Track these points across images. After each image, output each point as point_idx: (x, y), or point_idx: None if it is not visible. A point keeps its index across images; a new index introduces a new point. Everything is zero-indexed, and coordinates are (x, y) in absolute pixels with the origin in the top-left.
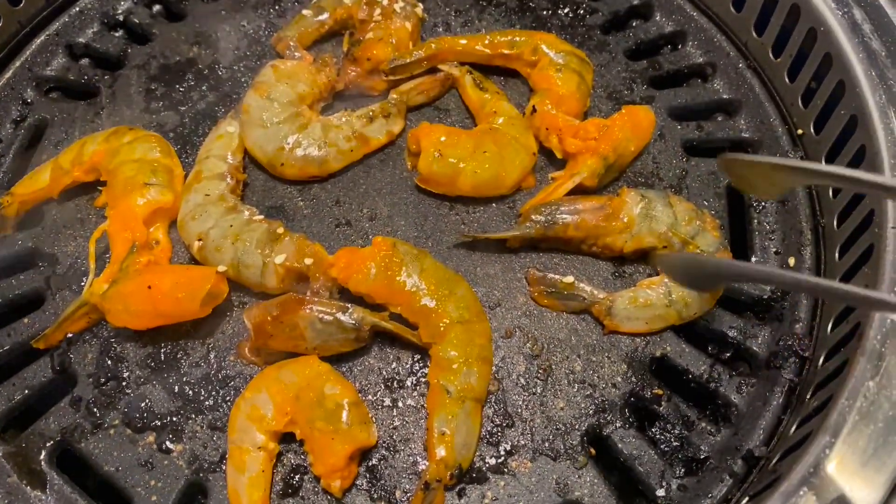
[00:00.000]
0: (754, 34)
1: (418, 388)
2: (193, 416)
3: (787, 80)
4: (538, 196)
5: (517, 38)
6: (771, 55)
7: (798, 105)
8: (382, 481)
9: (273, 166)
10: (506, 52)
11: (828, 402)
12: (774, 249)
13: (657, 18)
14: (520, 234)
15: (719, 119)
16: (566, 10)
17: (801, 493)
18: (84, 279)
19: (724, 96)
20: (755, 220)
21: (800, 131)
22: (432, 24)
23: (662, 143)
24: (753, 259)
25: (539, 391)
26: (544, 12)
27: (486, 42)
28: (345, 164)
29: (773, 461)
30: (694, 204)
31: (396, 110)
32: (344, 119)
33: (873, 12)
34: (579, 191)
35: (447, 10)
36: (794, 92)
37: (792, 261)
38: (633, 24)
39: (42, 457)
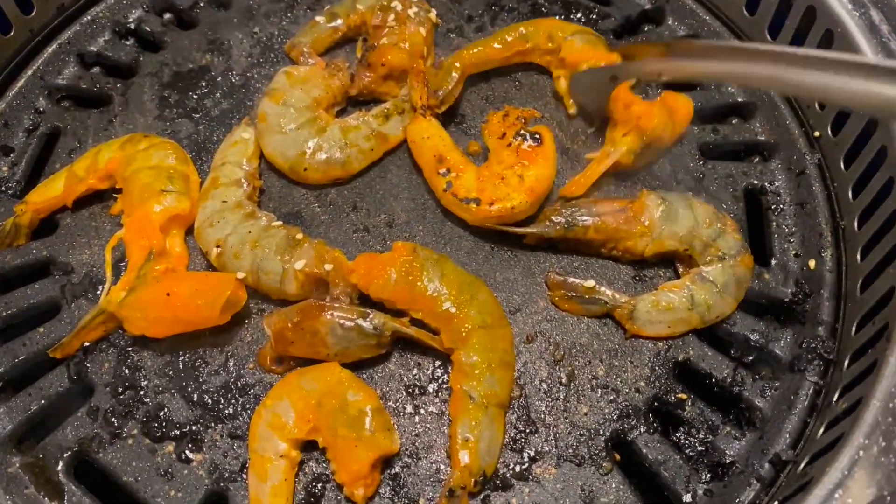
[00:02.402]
0: (768, 37)
1: (440, 394)
2: (213, 424)
3: None
4: (577, 177)
5: (525, 31)
6: None
7: (814, 107)
8: (406, 489)
9: (296, 172)
10: (521, 48)
11: (858, 404)
12: (794, 252)
13: (669, 23)
14: (538, 232)
15: (734, 122)
16: (579, 15)
17: (837, 496)
18: (99, 287)
19: (739, 99)
20: (773, 223)
21: (817, 133)
22: (445, 30)
23: (679, 146)
24: (773, 262)
25: (562, 397)
26: (557, 17)
27: (499, 46)
28: (366, 164)
29: (802, 465)
30: (712, 207)
31: (409, 106)
32: (361, 119)
33: (891, 13)
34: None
35: (460, 15)
36: None
37: (812, 263)
38: (646, 28)
39: (59, 467)
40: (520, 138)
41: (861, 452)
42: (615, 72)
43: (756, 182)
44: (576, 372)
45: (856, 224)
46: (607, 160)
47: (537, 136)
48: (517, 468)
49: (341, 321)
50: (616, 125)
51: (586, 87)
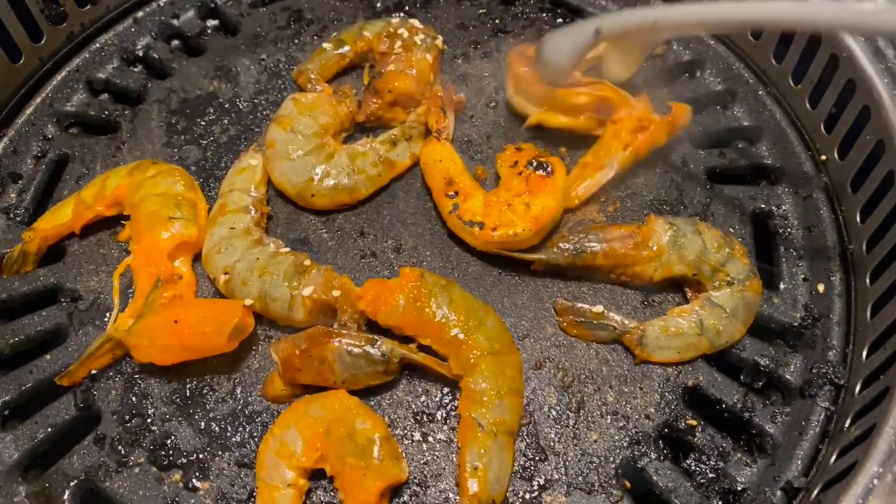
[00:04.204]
0: (773, 61)
1: (448, 421)
2: (220, 452)
3: (808, 106)
4: (569, 181)
5: None
6: (791, 82)
7: (821, 131)
8: None
9: (303, 198)
10: None
11: (871, 431)
12: (802, 276)
13: (674, 48)
14: (546, 258)
15: (741, 146)
16: None
17: None
18: (107, 315)
19: (745, 123)
20: (781, 247)
21: (823, 157)
22: (451, 56)
23: (686, 170)
24: (782, 286)
25: (571, 423)
26: None
27: None
28: (373, 190)
29: (815, 492)
30: (720, 231)
31: (417, 132)
32: (368, 146)
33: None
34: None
35: (466, 41)
36: (816, 118)
37: (821, 287)
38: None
39: (66, 497)
40: (531, 167)
41: (875, 481)
42: (600, 24)
43: (763, 206)
44: (585, 398)
45: (864, 248)
46: (602, 173)
47: (548, 166)
48: (527, 496)
49: (349, 348)
50: (618, 132)
51: (558, 48)
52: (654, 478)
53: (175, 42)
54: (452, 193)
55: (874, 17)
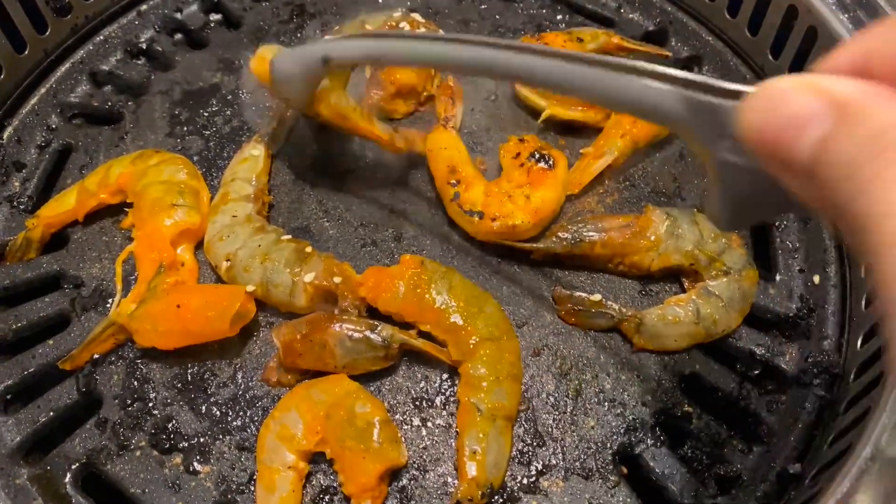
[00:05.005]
0: (770, 58)
1: (447, 407)
2: (221, 436)
3: None
4: (571, 173)
5: None
6: None
7: None
8: (413, 502)
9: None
10: None
11: (864, 416)
12: (798, 267)
13: (672, 44)
14: (544, 248)
15: None
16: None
17: None
18: (109, 301)
19: None
20: (778, 238)
21: None
22: None
23: (683, 163)
24: (778, 277)
25: (569, 410)
26: None
27: None
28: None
29: (808, 478)
30: None
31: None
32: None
33: None
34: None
35: None
36: None
37: (817, 278)
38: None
39: (67, 479)
40: (532, 159)
41: (869, 463)
42: (328, 51)
43: None
44: (583, 385)
45: None
46: (600, 162)
47: (550, 159)
48: (524, 481)
49: (350, 333)
50: (618, 121)
51: (290, 73)
52: (651, 464)
53: (178, 35)
54: (454, 182)
55: None
